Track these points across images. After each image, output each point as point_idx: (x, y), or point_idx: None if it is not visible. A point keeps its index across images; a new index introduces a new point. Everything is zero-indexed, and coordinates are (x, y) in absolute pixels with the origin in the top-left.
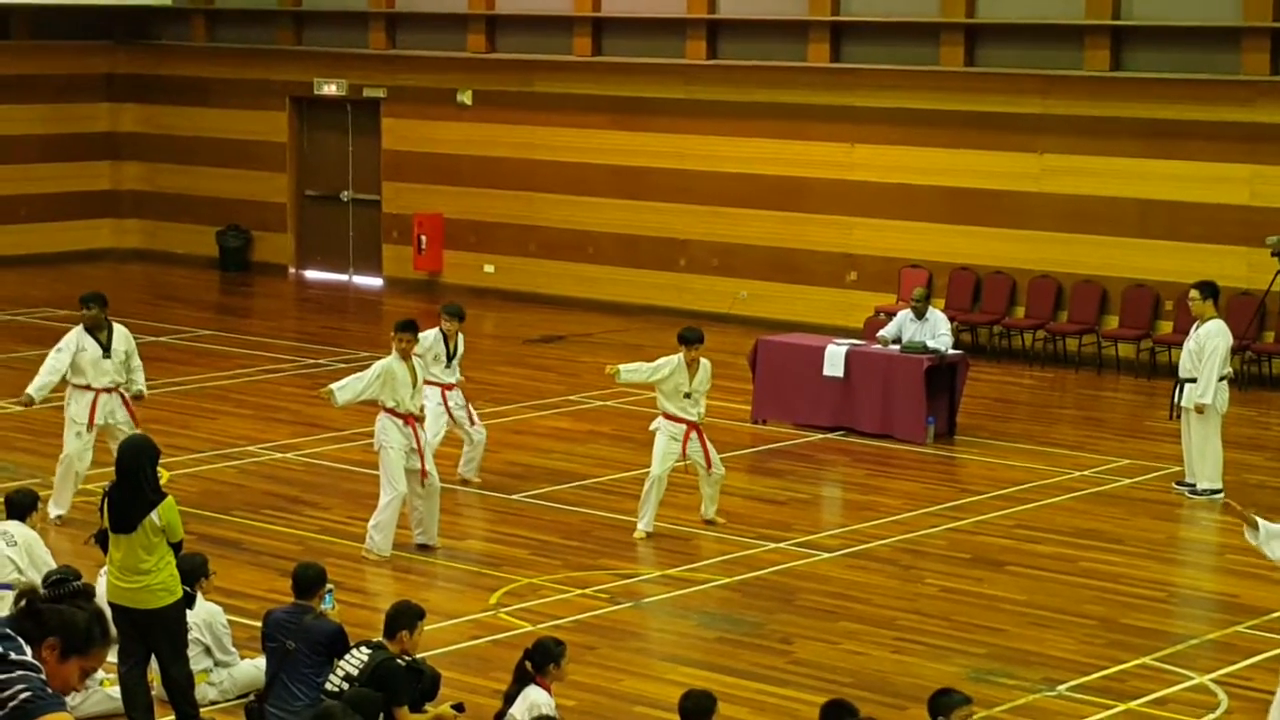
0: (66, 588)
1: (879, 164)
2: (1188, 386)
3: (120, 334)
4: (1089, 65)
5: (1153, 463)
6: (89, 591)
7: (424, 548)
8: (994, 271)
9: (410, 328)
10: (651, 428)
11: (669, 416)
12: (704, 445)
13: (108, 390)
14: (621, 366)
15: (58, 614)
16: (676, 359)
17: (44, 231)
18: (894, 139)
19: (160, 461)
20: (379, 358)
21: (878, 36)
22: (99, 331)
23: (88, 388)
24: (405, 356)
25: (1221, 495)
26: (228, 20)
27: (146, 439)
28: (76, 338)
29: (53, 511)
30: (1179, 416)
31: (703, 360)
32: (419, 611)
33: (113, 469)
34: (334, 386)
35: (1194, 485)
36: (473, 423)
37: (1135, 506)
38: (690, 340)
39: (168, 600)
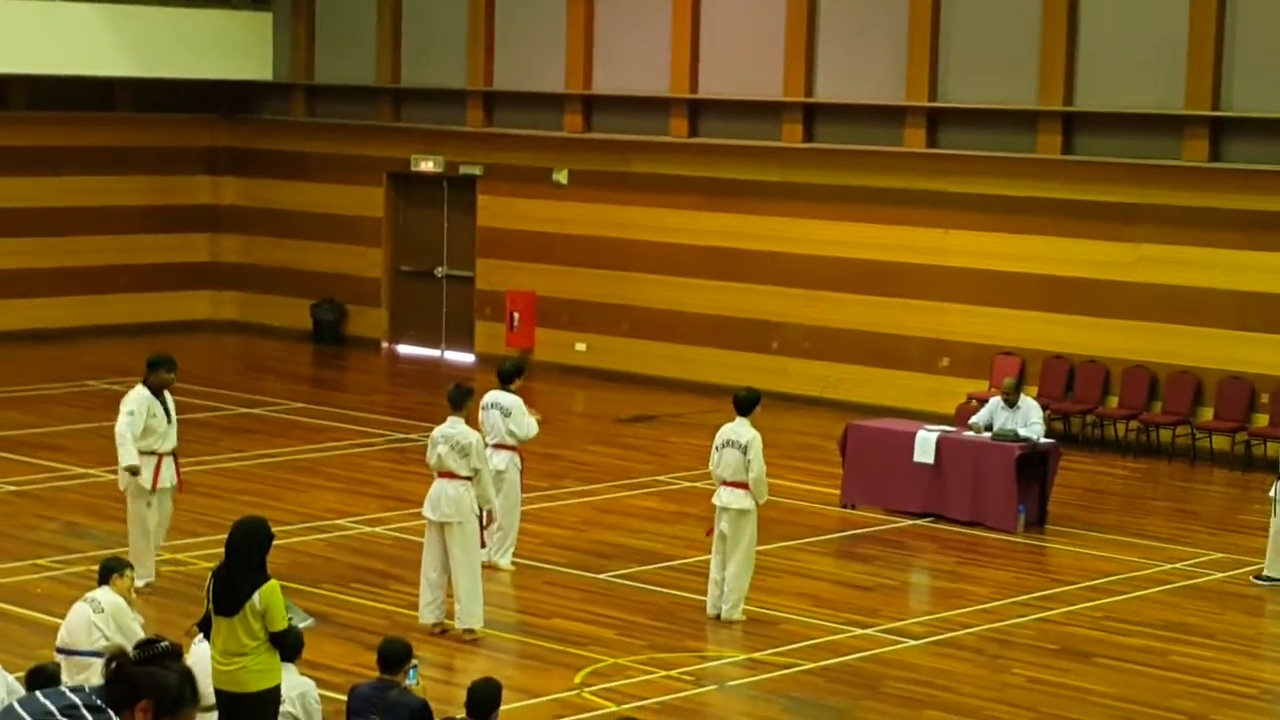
0: (155, 649)
1: (974, 250)
2: None
3: (169, 398)
4: (1187, 155)
5: (1246, 557)
6: (177, 651)
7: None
8: (1088, 360)
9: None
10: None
11: None
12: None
13: (169, 454)
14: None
15: (149, 676)
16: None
17: (142, 301)
18: (989, 225)
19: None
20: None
21: (974, 123)
22: (163, 395)
23: (153, 453)
24: None
25: None
26: (327, 96)
27: (262, 521)
28: (146, 402)
29: (139, 581)
30: None
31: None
32: (501, 687)
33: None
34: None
35: (1275, 579)
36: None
37: (1227, 601)
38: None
39: (264, 684)
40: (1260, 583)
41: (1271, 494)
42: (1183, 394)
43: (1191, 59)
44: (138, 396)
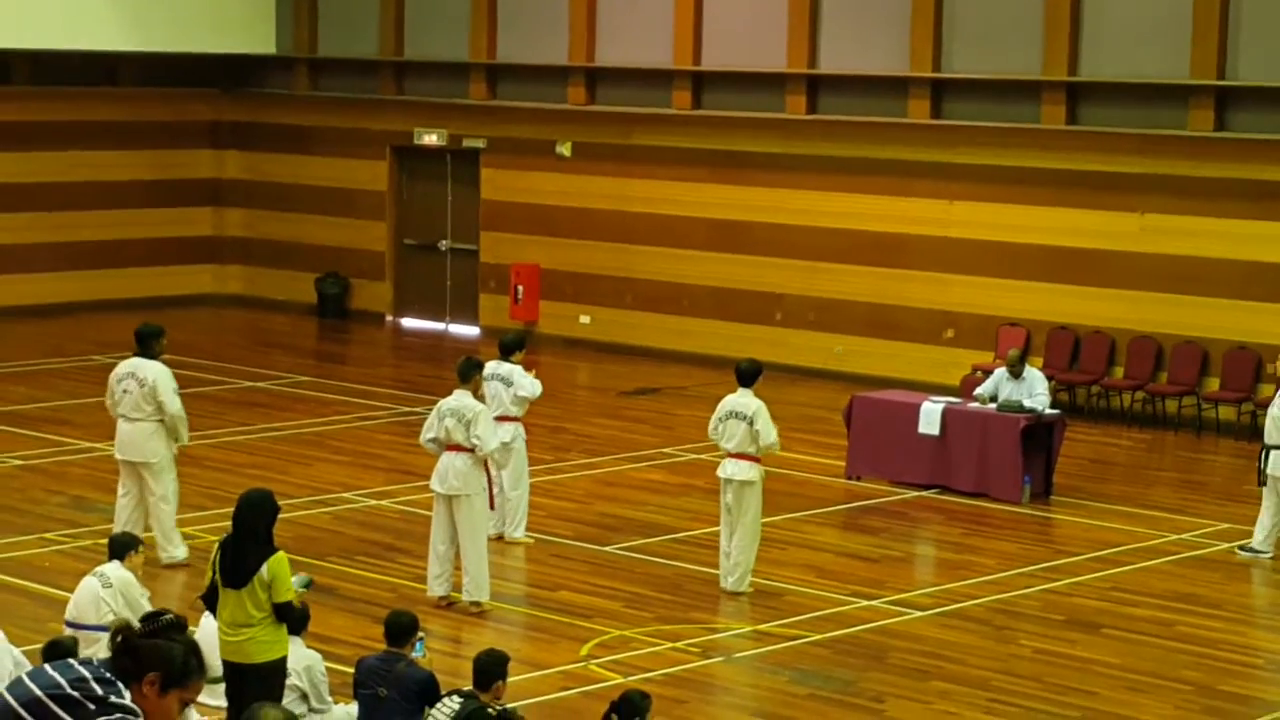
0: (160, 621)
1: (978, 221)
2: (1274, 454)
3: None
4: (1192, 125)
5: (1251, 527)
6: (182, 624)
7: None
8: (1093, 331)
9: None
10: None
11: None
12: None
13: None
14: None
15: (154, 649)
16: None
17: (146, 276)
18: (994, 196)
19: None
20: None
21: (979, 93)
22: None
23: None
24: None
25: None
26: (330, 69)
27: (267, 493)
28: (171, 374)
29: (179, 552)
30: (1265, 484)
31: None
32: (508, 658)
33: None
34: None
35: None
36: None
37: (1233, 571)
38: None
39: (270, 655)
40: (1245, 553)
41: (1271, 471)
42: (1188, 364)
43: (1197, 28)
44: (168, 373)
